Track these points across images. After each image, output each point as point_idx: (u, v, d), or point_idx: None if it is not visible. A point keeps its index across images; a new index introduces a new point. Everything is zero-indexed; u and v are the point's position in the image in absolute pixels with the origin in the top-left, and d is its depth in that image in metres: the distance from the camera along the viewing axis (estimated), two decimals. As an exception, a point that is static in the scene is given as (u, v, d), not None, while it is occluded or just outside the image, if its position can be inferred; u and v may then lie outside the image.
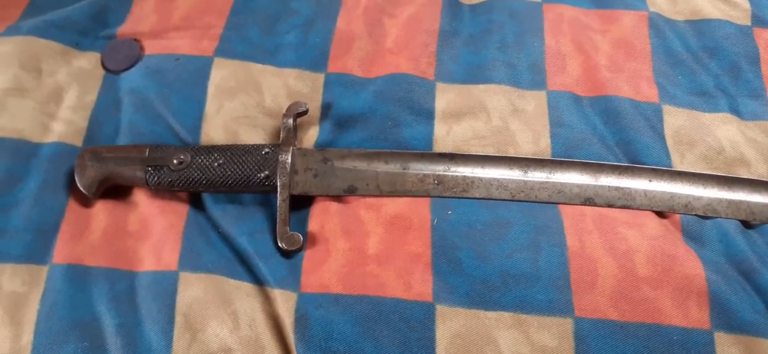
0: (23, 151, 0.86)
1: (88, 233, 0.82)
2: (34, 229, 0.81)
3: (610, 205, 0.84)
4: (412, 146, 0.89)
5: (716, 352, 0.74)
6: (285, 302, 0.76)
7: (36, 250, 0.80)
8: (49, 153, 0.87)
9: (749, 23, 1.03)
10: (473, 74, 0.97)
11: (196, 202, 0.86)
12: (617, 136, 0.91)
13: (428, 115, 0.92)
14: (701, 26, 1.03)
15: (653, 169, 0.86)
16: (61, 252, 0.80)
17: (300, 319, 0.75)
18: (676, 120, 0.93)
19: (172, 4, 1.02)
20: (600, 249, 0.80)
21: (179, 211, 0.84)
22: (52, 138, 0.88)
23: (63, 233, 0.81)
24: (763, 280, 0.78)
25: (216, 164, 0.83)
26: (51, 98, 0.91)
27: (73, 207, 0.83)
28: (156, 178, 0.82)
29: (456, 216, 0.82)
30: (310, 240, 0.81)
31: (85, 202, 0.84)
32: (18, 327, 0.75)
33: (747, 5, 1.05)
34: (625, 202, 0.85)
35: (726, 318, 0.76)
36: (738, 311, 0.76)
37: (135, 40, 0.98)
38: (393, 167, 0.85)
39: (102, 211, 0.84)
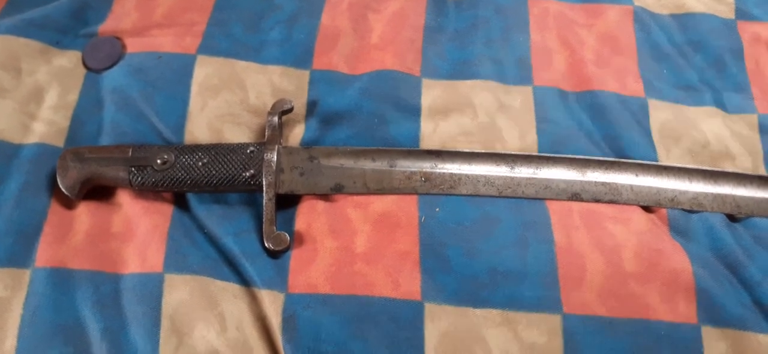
0: (3, 153, 0.85)
1: (71, 235, 0.80)
2: (16, 232, 0.79)
3: (596, 200, 0.85)
4: (398, 143, 0.89)
5: (703, 347, 0.75)
6: (272, 303, 0.75)
7: (18, 254, 0.78)
8: (30, 154, 0.85)
9: (733, 17, 1.04)
10: (459, 70, 0.96)
11: (180, 202, 0.85)
12: (603, 131, 0.91)
13: (415, 112, 0.91)
14: (686, 20, 1.04)
15: (639, 164, 0.86)
16: (44, 255, 0.78)
17: (288, 319, 0.74)
18: (661, 114, 0.93)
19: (153, 2, 1.00)
20: (587, 245, 0.80)
21: (164, 212, 0.83)
22: (32, 139, 0.86)
23: (45, 236, 0.80)
24: (749, 273, 0.79)
25: (200, 164, 0.82)
26: (31, 98, 0.90)
27: (55, 209, 0.82)
28: (140, 179, 0.81)
29: (444, 213, 0.82)
30: (297, 239, 0.81)
31: (68, 203, 0.83)
32: (1, 332, 0.74)
33: (731, -1, 1.06)
34: (611, 197, 0.85)
35: (713, 312, 0.76)
36: (725, 305, 0.76)
37: (116, 38, 0.96)
38: (380, 165, 0.85)
39: (85, 212, 0.82)
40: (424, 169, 0.85)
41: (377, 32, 0.99)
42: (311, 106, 0.92)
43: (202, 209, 0.83)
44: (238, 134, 0.89)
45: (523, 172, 0.85)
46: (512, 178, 0.85)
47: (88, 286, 0.76)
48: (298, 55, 0.96)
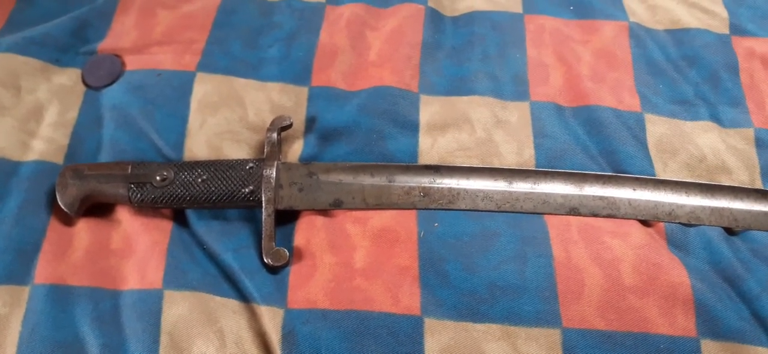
0: (3, 170, 0.85)
1: (71, 252, 0.80)
2: (15, 249, 0.79)
3: (594, 215, 0.85)
4: (397, 159, 0.89)
5: (703, 360, 0.75)
6: (272, 319, 0.75)
7: (17, 271, 0.78)
8: (30, 171, 0.85)
9: (727, 32, 1.05)
10: (456, 86, 0.97)
11: (180, 218, 0.85)
12: (600, 146, 0.92)
13: (413, 128, 0.92)
14: (681, 35, 1.05)
15: (637, 178, 0.87)
16: (43, 272, 0.78)
17: (287, 335, 0.74)
18: (658, 129, 0.94)
19: (153, 20, 1.01)
20: (586, 259, 0.80)
21: (163, 228, 0.83)
22: (32, 156, 0.87)
23: (45, 253, 0.80)
24: (748, 286, 0.79)
25: (200, 180, 0.82)
26: (31, 116, 0.90)
27: (54, 226, 0.82)
28: (139, 196, 0.81)
29: (443, 228, 0.82)
30: (296, 255, 0.81)
31: (67, 220, 0.83)
32: (-1, 349, 0.74)
33: (725, 14, 1.07)
34: (609, 211, 0.85)
35: (712, 325, 0.76)
36: (724, 318, 0.76)
37: (116, 55, 0.97)
38: (379, 180, 0.85)
39: (84, 229, 0.82)
40: (422, 185, 0.85)
41: (375, 49, 1.00)
42: (310, 123, 0.92)
43: (201, 225, 0.83)
44: (238, 151, 0.90)
45: (521, 186, 0.86)
46: (510, 193, 0.85)
47: (88, 303, 0.76)
48: (297, 72, 0.96)
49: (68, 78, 0.95)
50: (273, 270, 0.79)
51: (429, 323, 0.76)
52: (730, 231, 0.86)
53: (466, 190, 0.85)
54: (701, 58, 1.02)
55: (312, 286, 0.78)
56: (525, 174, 0.86)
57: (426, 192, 0.85)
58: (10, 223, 0.81)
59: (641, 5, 1.09)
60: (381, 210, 0.84)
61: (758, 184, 0.91)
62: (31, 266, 0.79)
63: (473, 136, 0.92)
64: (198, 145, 0.89)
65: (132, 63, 0.96)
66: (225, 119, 0.91)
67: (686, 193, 0.86)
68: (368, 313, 0.76)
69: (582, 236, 0.82)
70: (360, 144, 0.90)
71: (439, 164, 0.87)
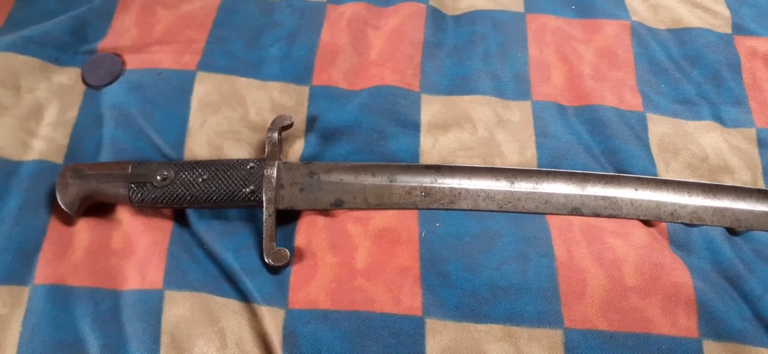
0: (3, 170, 0.85)
1: (71, 252, 0.80)
2: (15, 249, 0.79)
3: (596, 215, 0.85)
4: (398, 158, 0.89)
5: (705, 360, 0.75)
6: (273, 319, 0.75)
7: (17, 271, 0.78)
8: (30, 171, 0.85)
9: (730, 31, 1.04)
10: (458, 85, 0.97)
11: (180, 218, 0.84)
12: (603, 146, 0.92)
13: (414, 127, 0.92)
14: (683, 35, 1.04)
15: (639, 178, 0.86)
16: (43, 272, 0.78)
17: (288, 336, 0.74)
18: (660, 128, 0.93)
19: (153, 18, 1.01)
20: (588, 259, 0.80)
21: (163, 228, 0.82)
22: (32, 156, 0.87)
23: (45, 253, 0.80)
24: (750, 287, 0.79)
25: (200, 180, 0.82)
26: (31, 115, 0.90)
27: (54, 226, 0.82)
28: (139, 195, 0.81)
29: (444, 228, 0.82)
30: (297, 255, 0.81)
31: (67, 220, 0.83)
32: (0, 350, 0.74)
33: (727, 13, 1.06)
34: (611, 211, 0.85)
35: (714, 326, 0.76)
36: (726, 319, 0.76)
37: (116, 54, 0.96)
38: (380, 180, 0.85)
39: (84, 229, 0.82)
40: (424, 184, 0.85)
41: (376, 48, 0.99)
42: (311, 122, 0.92)
43: (201, 225, 0.83)
44: (238, 150, 0.89)
45: (523, 186, 0.86)
46: (512, 193, 0.85)
47: (88, 303, 0.76)
48: (298, 72, 0.96)
49: (68, 77, 0.94)
50: (274, 270, 0.79)
51: (430, 324, 0.75)
52: (732, 231, 0.86)
53: (467, 190, 0.85)
54: (703, 57, 1.02)
55: (313, 286, 0.78)
56: (527, 174, 0.86)
57: (427, 192, 0.84)
58: (10, 223, 0.81)
59: (643, 4, 1.08)
60: (382, 210, 0.84)
61: (760, 184, 0.91)
62: (32, 266, 0.79)
63: (475, 136, 0.92)
64: (198, 145, 0.89)
65: (132, 62, 0.96)
66: (226, 119, 0.91)
67: (688, 193, 0.86)
68: (369, 313, 0.76)
69: (584, 236, 0.82)
70: (361, 143, 0.90)
71: (440, 164, 0.86)
